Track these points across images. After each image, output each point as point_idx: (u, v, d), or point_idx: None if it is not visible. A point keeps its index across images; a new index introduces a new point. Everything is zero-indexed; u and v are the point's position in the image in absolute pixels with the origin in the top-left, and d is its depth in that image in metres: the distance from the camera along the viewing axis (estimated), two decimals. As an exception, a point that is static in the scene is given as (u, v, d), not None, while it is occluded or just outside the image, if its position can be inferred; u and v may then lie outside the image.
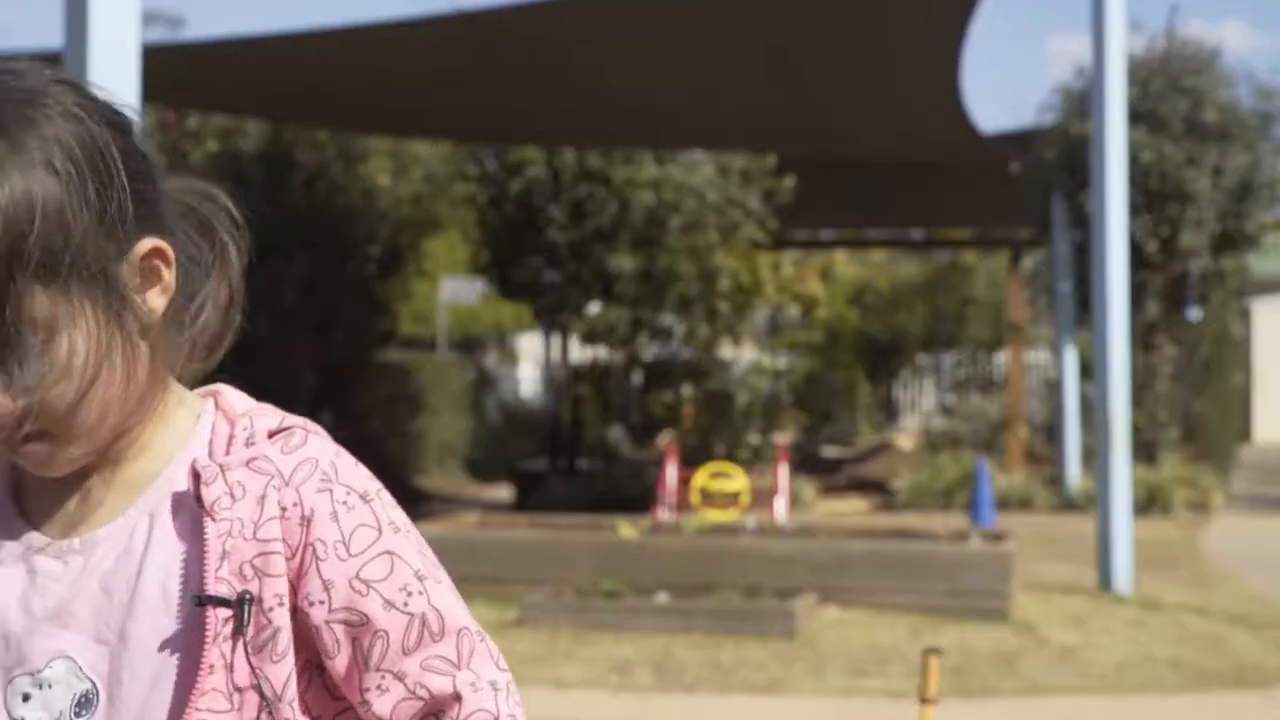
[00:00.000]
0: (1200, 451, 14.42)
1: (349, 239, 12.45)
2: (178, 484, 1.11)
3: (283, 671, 1.09)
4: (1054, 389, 16.49)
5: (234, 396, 1.18)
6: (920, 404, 22.82)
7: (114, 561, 1.10)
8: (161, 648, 1.08)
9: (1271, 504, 14.13)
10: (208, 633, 1.06)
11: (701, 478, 10.25)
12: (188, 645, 1.08)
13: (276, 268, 11.47)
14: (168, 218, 1.15)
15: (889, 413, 22.87)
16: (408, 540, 1.13)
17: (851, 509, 13.26)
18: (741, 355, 19.20)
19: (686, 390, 15.81)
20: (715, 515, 9.53)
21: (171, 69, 9.05)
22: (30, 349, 1.04)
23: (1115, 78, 8.66)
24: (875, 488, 14.59)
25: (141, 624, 1.09)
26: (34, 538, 1.13)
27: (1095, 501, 8.90)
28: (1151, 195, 13.26)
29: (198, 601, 1.06)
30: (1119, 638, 7.34)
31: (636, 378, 16.20)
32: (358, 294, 12.67)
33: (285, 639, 1.09)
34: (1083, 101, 12.46)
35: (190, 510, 1.09)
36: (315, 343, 11.97)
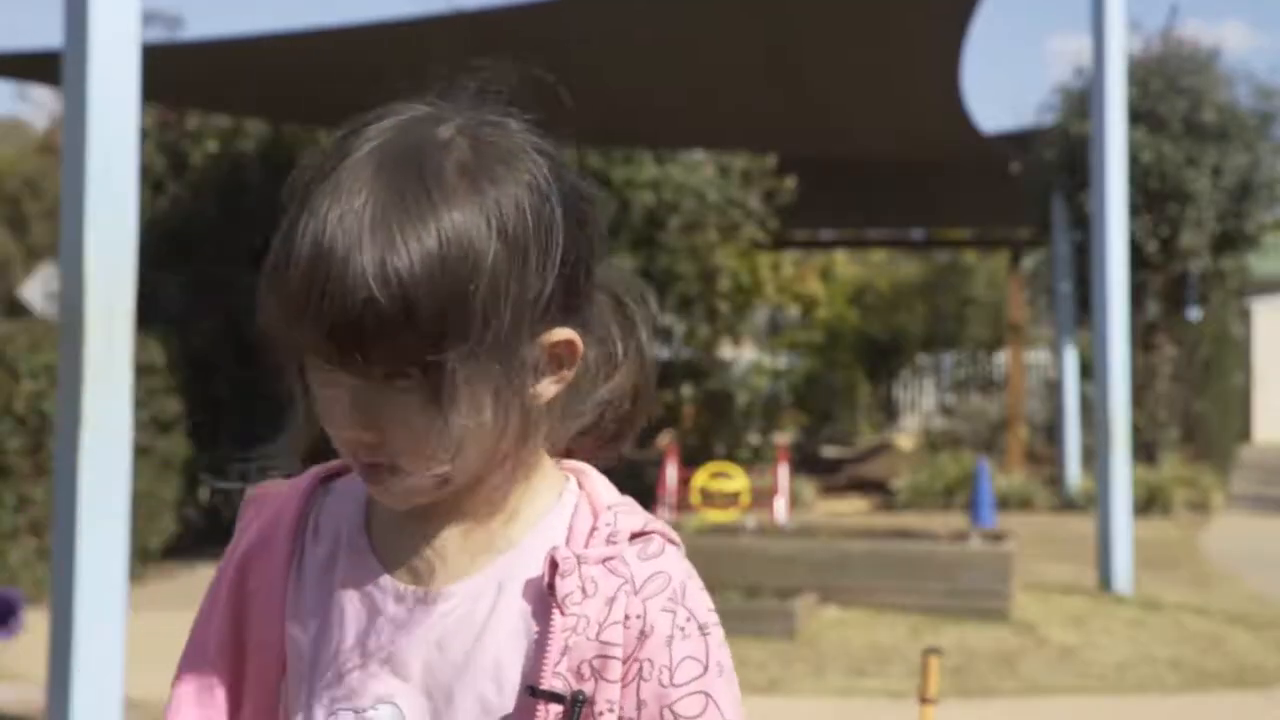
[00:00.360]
0: (1200, 451, 14.42)
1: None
2: (532, 561, 1.10)
3: None
4: (1054, 389, 16.48)
5: (600, 483, 1.17)
6: (920, 404, 22.81)
7: (455, 622, 1.10)
8: (486, 719, 1.08)
9: (1271, 504, 14.13)
10: None
11: (701, 478, 10.25)
12: None
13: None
14: (587, 310, 1.13)
15: (889, 413, 22.85)
16: (727, 686, 1.11)
17: (851, 509, 13.26)
18: (741, 355, 19.19)
19: (686, 390, 15.80)
20: (715, 515, 9.53)
21: (171, 69, 9.06)
22: (423, 400, 1.04)
23: (1115, 78, 8.66)
24: (875, 488, 14.59)
25: (469, 693, 1.09)
26: (380, 576, 1.13)
27: (1095, 501, 8.90)
28: (1151, 195, 13.26)
29: (531, 693, 1.06)
30: (1119, 638, 7.34)
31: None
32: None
33: None
34: (1083, 101, 12.46)
35: (540, 594, 1.09)
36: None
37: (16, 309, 20.24)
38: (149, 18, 14.49)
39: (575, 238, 1.10)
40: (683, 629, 1.09)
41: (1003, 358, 20.39)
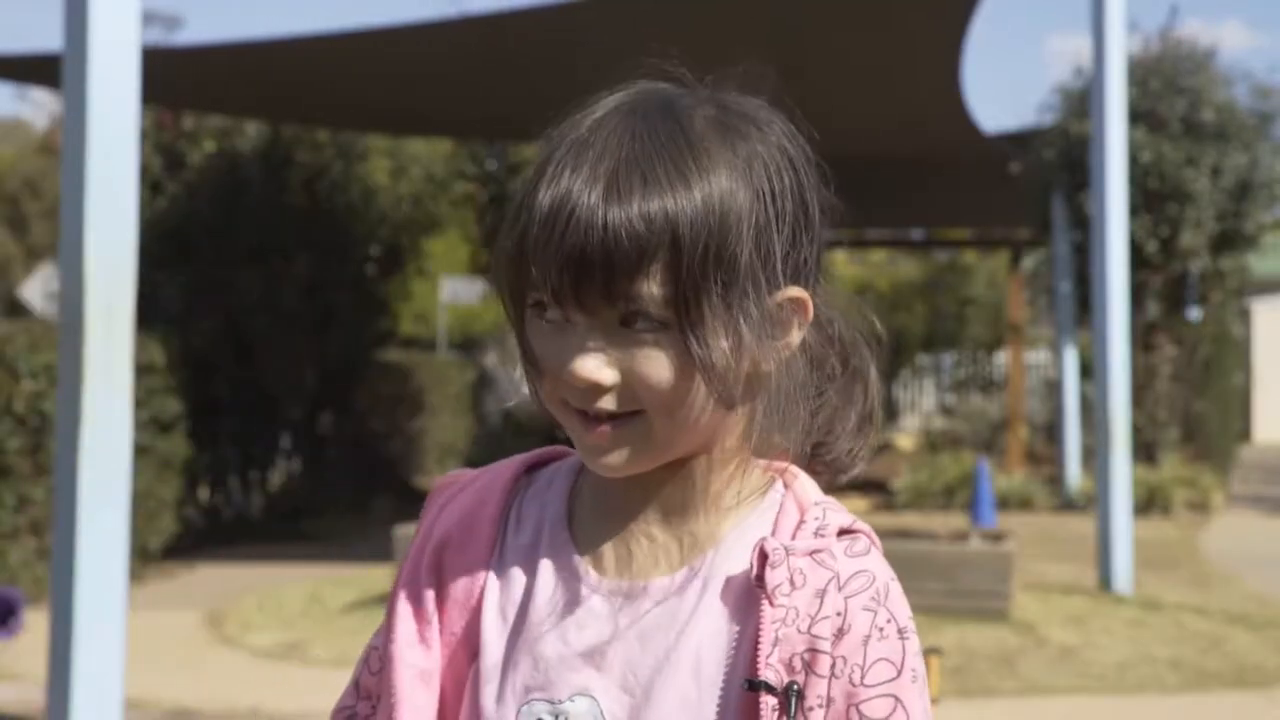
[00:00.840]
0: (1200, 451, 14.42)
1: (349, 239, 12.45)
2: (737, 555, 1.10)
3: None
4: (1054, 389, 16.49)
5: (807, 482, 1.16)
6: (920, 404, 22.82)
7: (657, 617, 1.09)
8: (686, 714, 1.07)
9: (1271, 504, 14.13)
10: (762, 717, 1.05)
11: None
12: None
13: (276, 268, 11.47)
14: (818, 282, 1.14)
15: (889, 413, 22.86)
16: (920, 694, 1.09)
17: (851, 509, 13.20)
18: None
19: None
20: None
21: (170, 71, 9.05)
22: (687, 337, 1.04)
23: (1115, 78, 8.66)
24: (875, 487, 14.59)
25: (670, 687, 1.08)
26: (581, 567, 1.12)
27: (1095, 501, 8.89)
28: (1151, 195, 13.26)
29: (749, 685, 1.05)
30: (1119, 638, 7.34)
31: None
32: (358, 294, 12.66)
33: None
34: (1083, 101, 12.46)
35: (745, 588, 1.08)
36: (315, 343, 11.96)
37: (16, 309, 20.24)
38: (147, 18, 14.49)
39: (814, 207, 1.13)
40: (881, 630, 1.08)
41: (1003, 358, 20.40)
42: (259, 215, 11.50)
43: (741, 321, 1.05)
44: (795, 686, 1.05)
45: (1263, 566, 9.85)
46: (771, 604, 1.06)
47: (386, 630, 1.17)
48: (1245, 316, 21.82)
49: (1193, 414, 14.35)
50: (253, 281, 11.31)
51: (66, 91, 4.28)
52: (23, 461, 8.23)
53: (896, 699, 1.08)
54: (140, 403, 8.56)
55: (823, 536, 1.10)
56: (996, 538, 8.38)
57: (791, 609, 1.07)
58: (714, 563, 1.11)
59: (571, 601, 1.12)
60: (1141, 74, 13.36)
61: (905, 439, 20.21)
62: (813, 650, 1.06)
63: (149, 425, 9.18)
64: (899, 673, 1.08)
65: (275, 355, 11.35)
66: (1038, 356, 20.71)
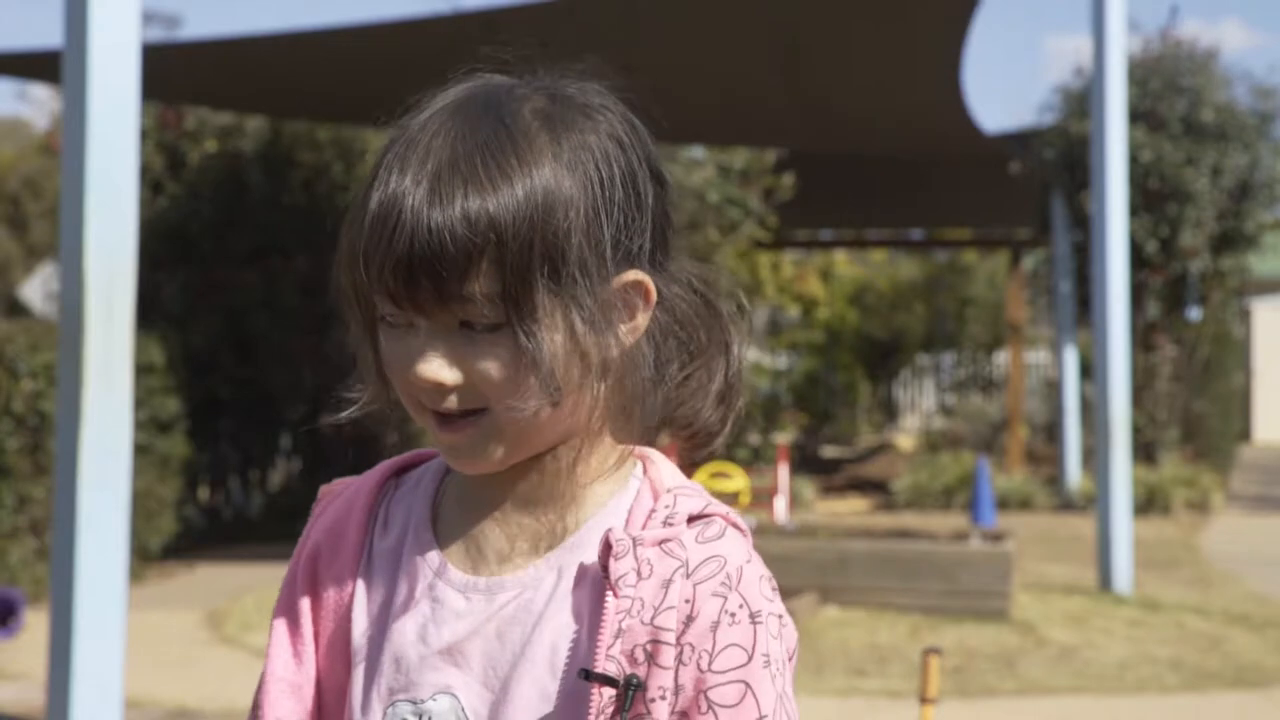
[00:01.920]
0: (1200, 451, 14.41)
1: (349, 239, 12.44)
2: (592, 545, 1.10)
3: None
4: (1054, 389, 16.48)
5: (665, 468, 1.16)
6: (920, 404, 22.82)
7: (514, 610, 1.10)
8: (544, 706, 1.07)
9: (1271, 504, 14.13)
10: (590, 710, 1.05)
11: (701, 477, 10.24)
12: (569, 713, 1.06)
13: (276, 268, 11.47)
14: (663, 276, 1.13)
15: (889, 413, 22.86)
16: (771, 679, 1.07)
17: (851, 509, 13.26)
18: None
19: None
20: (715, 515, 9.53)
21: (171, 68, 9.06)
22: (513, 337, 1.05)
23: (1115, 77, 8.66)
24: (875, 488, 14.59)
25: (526, 680, 1.08)
26: (444, 567, 1.13)
27: (1095, 501, 8.89)
28: (1151, 195, 13.26)
29: (584, 676, 1.05)
30: (1119, 637, 7.34)
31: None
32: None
33: None
34: (1083, 101, 12.46)
35: (596, 579, 1.08)
36: (315, 343, 11.96)
37: (16, 309, 20.24)
38: (147, 17, 14.49)
39: (651, 193, 1.12)
40: (732, 615, 1.07)
41: (1003, 358, 20.39)
42: (259, 215, 11.50)
43: (574, 312, 1.06)
44: (635, 680, 1.05)
45: (1263, 566, 9.85)
46: (615, 595, 1.06)
47: (267, 648, 1.18)
48: (1245, 316, 21.82)
49: (1193, 414, 14.35)
50: (253, 281, 11.30)
51: (66, 90, 4.28)
52: (23, 461, 8.23)
53: (747, 685, 1.06)
54: (140, 402, 8.55)
55: (671, 525, 1.09)
56: (996, 538, 8.38)
57: (637, 599, 1.06)
58: (570, 553, 1.11)
59: (433, 601, 1.12)
60: (1142, 74, 13.36)
61: (905, 439, 20.22)
62: (655, 641, 1.06)
63: (149, 425, 9.18)
64: (750, 658, 1.06)
65: (275, 355, 11.35)
66: (1038, 356, 20.70)
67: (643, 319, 1.11)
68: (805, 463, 16.13)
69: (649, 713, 1.05)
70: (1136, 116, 12.92)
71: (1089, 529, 9.84)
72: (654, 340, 1.13)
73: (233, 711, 5.89)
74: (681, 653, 1.06)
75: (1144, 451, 13.38)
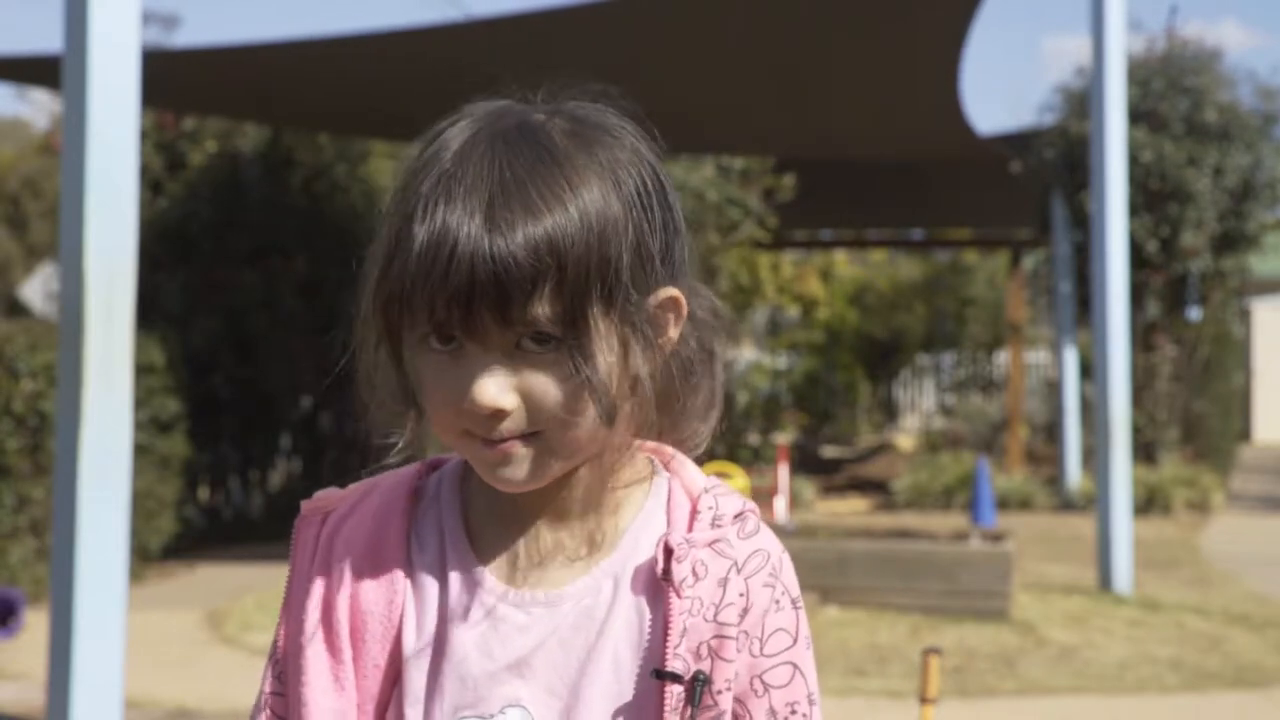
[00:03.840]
0: (1200, 451, 14.41)
1: (349, 239, 12.45)
2: (643, 549, 1.13)
3: None
4: (1054, 389, 16.48)
5: (690, 467, 1.19)
6: (920, 404, 22.82)
7: (577, 619, 1.12)
8: (614, 713, 1.10)
9: (1271, 504, 14.13)
10: (666, 707, 1.08)
11: (701, 478, 10.25)
12: (639, 713, 1.10)
13: (276, 268, 11.47)
14: (688, 278, 1.17)
15: (889, 413, 22.86)
16: (811, 659, 1.17)
17: (851, 509, 13.26)
18: (741, 355, 19.19)
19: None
20: (715, 515, 9.53)
21: (170, 74, 9.05)
22: (572, 359, 1.07)
23: (1115, 78, 8.66)
24: (875, 488, 14.59)
25: (594, 686, 1.11)
26: (491, 581, 1.14)
27: (1095, 501, 8.90)
28: (1151, 195, 13.26)
29: (656, 675, 1.09)
30: (1119, 638, 7.34)
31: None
32: (358, 294, 12.64)
33: None
34: (1083, 101, 12.46)
35: (651, 582, 1.12)
36: (315, 343, 11.96)
37: (16, 309, 20.24)
38: (145, 17, 14.48)
39: (677, 205, 1.16)
40: (778, 602, 1.14)
41: (1003, 358, 20.39)
42: (259, 215, 11.50)
43: (627, 330, 1.08)
44: (701, 676, 1.09)
45: (1263, 566, 9.85)
46: (679, 596, 1.09)
47: (295, 674, 1.15)
48: (1245, 316, 21.81)
49: (1193, 414, 14.35)
50: (253, 281, 11.30)
51: (66, 92, 4.28)
52: (23, 461, 8.22)
53: (795, 666, 1.15)
54: (140, 403, 8.56)
55: (720, 526, 1.15)
56: (996, 538, 8.38)
57: (696, 599, 1.10)
58: (623, 560, 1.13)
59: (489, 616, 1.13)
60: (1144, 74, 13.37)
61: (905, 439, 20.22)
62: (719, 637, 1.11)
63: (149, 425, 9.18)
64: (795, 640, 1.15)
65: (275, 355, 11.34)
66: (1038, 356, 20.71)
67: (674, 332, 1.14)
68: (805, 463, 16.13)
69: (716, 704, 1.10)
70: (1138, 116, 12.93)
71: (1089, 529, 9.84)
72: (682, 352, 1.16)
73: (233, 712, 5.89)
74: (738, 640, 1.12)
75: (1144, 451, 13.38)
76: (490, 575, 1.14)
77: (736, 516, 1.17)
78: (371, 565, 1.16)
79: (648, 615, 1.11)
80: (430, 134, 1.14)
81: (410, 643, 1.14)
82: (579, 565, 1.14)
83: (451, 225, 1.04)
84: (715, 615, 1.10)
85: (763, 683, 1.13)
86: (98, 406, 4.21)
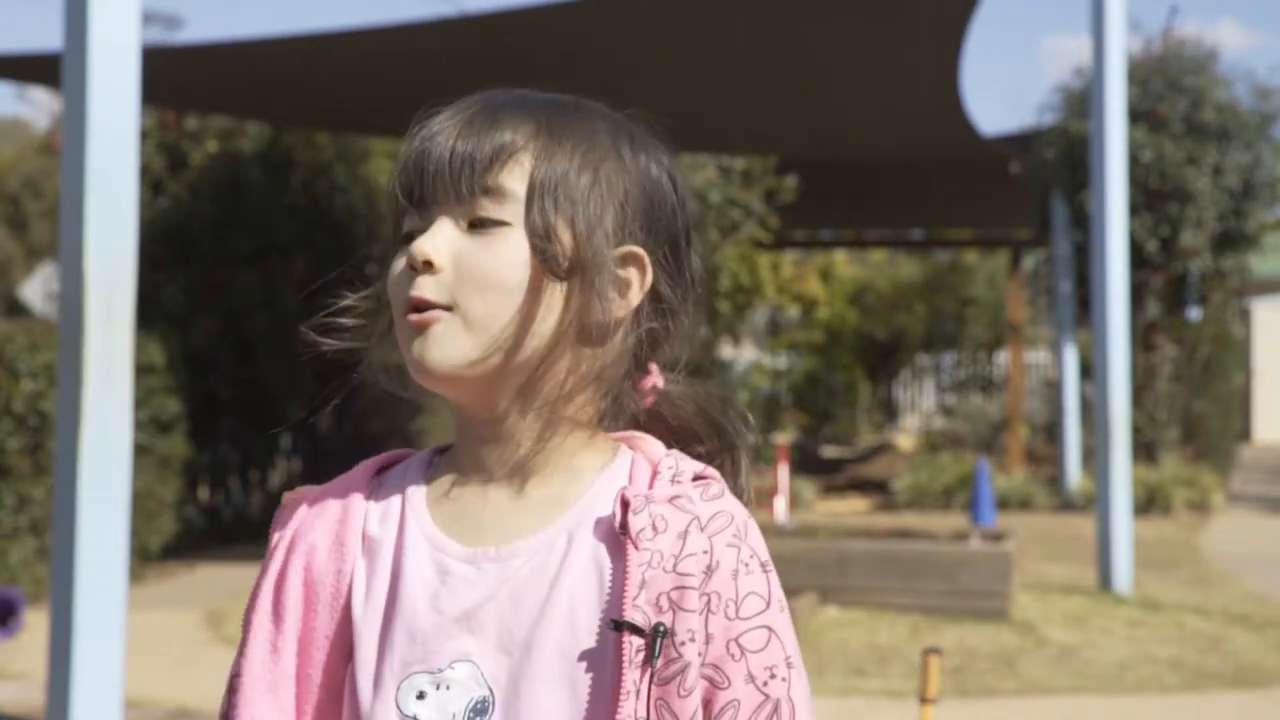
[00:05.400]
0: (1200, 451, 14.41)
1: (349, 239, 12.45)
2: (599, 508, 1.13)
3: (689, 707, 1.09)
4: (1054, 389, 16.49)
5: (652, 441, 1.20)
6: (920, 404, 22.82)
7: (528, 574, 1.12)
8: (566, 665, 1.09)
9: (1271, 504, 14.13)
10: (624, 658, 1.07)
11: (701, 478, 10.25)
12: (595, 667, 1.08)
13: (276, 268, 11.47)
14: (676, 297, 1.21)
15: (889, 413, 22.85)
16: (788, 622, 1.14)
17: (851, 509, 13.26)
18: (741, 355, 19.19)
19: (686, 390, 15.78)
20: (715, 515, 9.53)
21: (170, 72, 9.05)
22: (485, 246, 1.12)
23: (1115, 77, 8.66)
24: (875, 488, 14.59)
25: (548, 639, 1.10)
26: (444, 540, 1.15)
27: (1095, 501, 8.90)
28: (1151, 195, 13.26)
29: (614, 626, 1.08)
30: (1119, 638, 7.34)
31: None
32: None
33: (694, 675, 1.09)
34: (1083, 101, 12.46)
35: (610, 535, 1.11)
36: (315, 343, 11.95)
37: (16, 309, 20.24)
38: (147, 17, 14.48)
39: (680, 226, 1.20)
40: (746, 564, 1.12)
41: (1003, 358, 20.39)
42: (259, 215, 11.50)
43: (585, 262, 1.12)
44: (662, 627, 1.08)
45: (1263, 566, 9.85)
46: (637, 548, 1.09)
47: (240, 646, 1.18)
48: (1245, 316, 21.81)
49: (1193, 414, 14.35)
50: (253, 281, 11.30)
51: (66, 91, 4.28)
52: (23, 461, 8.22)
53: (770, 629, 1.11)
54: (140, 403, 8.56)
55: (679, 483, 1.14)
56: (996, 538, 8.38)
57: (656, 552, 1.09)
58: (579, 516, 1.13)
59: (440, 571, 1.13)
60: (1143, 74, 13.37)
61: (905, 439, 20.22)
62: (680, 588, 1.09)
63: (149, 425, 9.18)
64: (768, 604, 1.12)
65: (275, 355, 11.34)
66: (1038, 356, 20.71)
67: (635, 297, 1.15)
68: (805, 463, 16.13)
69: (680, 656, 1.08)
70: (1137, 116, 12.93)
71: (1089, 529, 9.84)
72: (640, 337, 1.17)
73: (233, 711, 5.88)
74: (709, 601, 1.10)
75: (1144, 451, 13.38)
76: (444, 535, 1.15)
77: (699, 478, 1.15)
78: (326, 536, 1.18)
79: (608, 569, 1.10)
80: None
81: (359, 607, 1.15)
82: (535, 522, 1.14)
83: (434, 128, 1.15)
84: (675, 566, 1.09)
85: (739, 646, 1.10)
86: (98, 406, 4.21)
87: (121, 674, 4.28)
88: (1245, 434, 22.02)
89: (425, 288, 1.11)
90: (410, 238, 1.14)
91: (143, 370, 8.70)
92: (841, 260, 21.70)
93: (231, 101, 11.10)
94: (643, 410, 1.22)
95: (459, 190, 1.11)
